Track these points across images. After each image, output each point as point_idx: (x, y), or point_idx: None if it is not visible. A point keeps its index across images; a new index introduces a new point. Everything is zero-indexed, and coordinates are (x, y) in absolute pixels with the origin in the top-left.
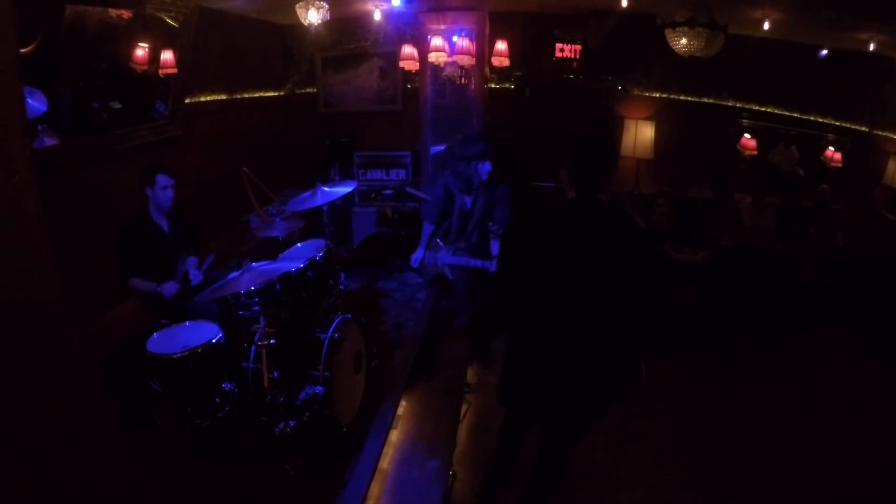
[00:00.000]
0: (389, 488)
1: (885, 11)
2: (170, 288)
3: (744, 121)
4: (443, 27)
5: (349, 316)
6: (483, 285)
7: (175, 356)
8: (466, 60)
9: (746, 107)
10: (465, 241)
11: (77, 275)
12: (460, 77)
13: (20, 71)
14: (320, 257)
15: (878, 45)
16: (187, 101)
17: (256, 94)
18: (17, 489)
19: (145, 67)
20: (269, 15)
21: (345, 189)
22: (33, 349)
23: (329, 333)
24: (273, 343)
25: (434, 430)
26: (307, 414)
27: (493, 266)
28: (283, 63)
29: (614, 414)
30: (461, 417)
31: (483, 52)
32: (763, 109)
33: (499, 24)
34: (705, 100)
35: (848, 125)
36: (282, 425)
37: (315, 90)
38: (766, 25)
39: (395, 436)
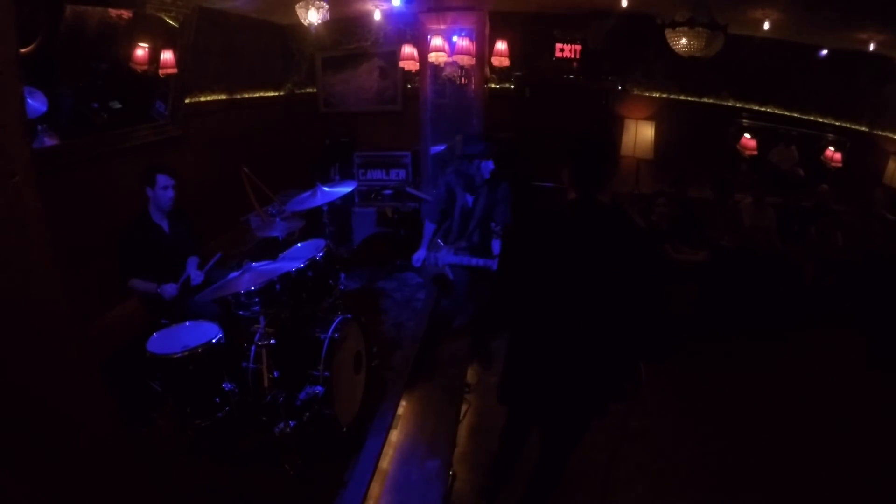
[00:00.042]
0: (389, 488)
1: (885, 11)
2: (170, 289)
3: (744, 121)
4: (443, 27)
5: (349, 316)
6: (484, 284)
7: (175, 356)
8: (466, 60)
9: (746, 107)
10: (466, 241)
11: (77, 275)
12: (460, 77)
13: (20, 71)
14: (320, 257)
15: (878, 45)
16: (187, 101)
17: (256, 94)
18: (17, 489)
19: (145, 67)
20: (269, 15)
21: (345, 189)
22: (33, 349)
23: (329, 333)
24: (273, 343)
25: (434, 430)
26: (307, 414)
27: (494, 265)
28: (283, 63)
29: (614, 414)
30: (461, 417)
31: (483, 52)
32: (763, 109)
33: (499, 24)
34: (705, 100)
35: (848, 125)
36: (282, 425)
37: (315, 90)
38: (766, 25)
39: (395, 436)
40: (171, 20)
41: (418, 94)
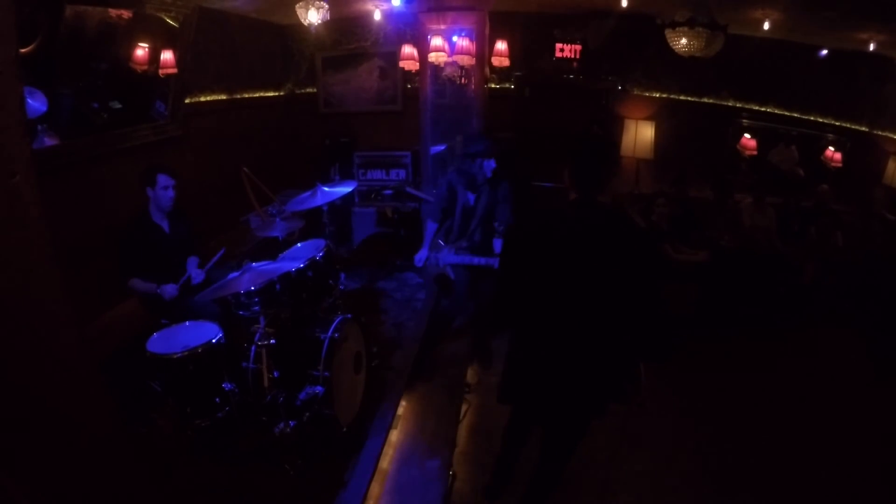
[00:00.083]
0: (389, 488)
1: (885, 11)
2: (170, 290)
3: (744, 121)
4: (443, 27)
5: (349, 316)
6: (486, 283)
7: (175, 356)
8: (466, 60)
9: (746, 107)
10: (467, 240)
11: (77, 275)
12: (460, 77)
13: (20, 71)
14: (320, 257)
15: (878, 45)
16: (187, 101)
17: (256, 94)
18: (17, 489)
19: (145, 67)
20: (269, 15)
21: (345, 189)
22: (33, 349)
23: (329, 333)
24: (273, 343)
25: (434, 430)
26: (307, 414)
27: (496, 263)
28: (283, 63)
29: (614, 414)
30: (461, 417)
31: (483, 52)
32: (763, 109)
33: (499, 24)
34: (705, 100)
35: (848, 125)
36: (282, 425)
37: (315, 90)
38: (766, 25)
39: (395, 436)
40: (171, 20)
41: (418, 94)
